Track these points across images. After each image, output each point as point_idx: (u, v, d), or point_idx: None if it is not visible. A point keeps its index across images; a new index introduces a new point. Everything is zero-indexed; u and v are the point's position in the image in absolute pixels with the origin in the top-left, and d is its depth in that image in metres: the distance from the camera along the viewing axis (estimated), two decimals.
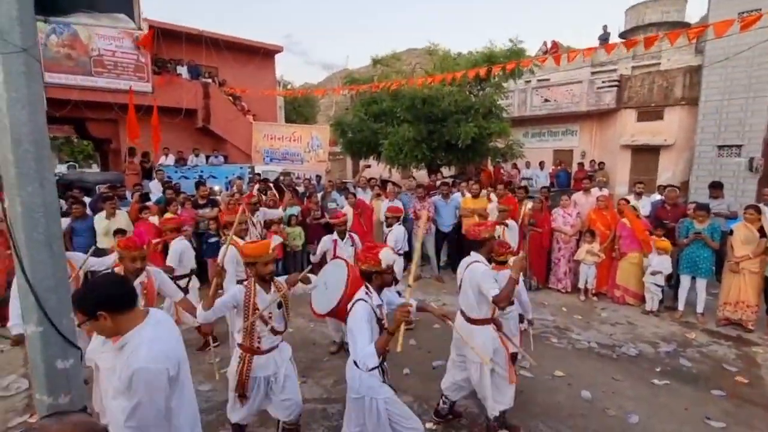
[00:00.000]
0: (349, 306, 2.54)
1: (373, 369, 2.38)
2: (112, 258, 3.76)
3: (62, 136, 22.72)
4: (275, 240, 2.58)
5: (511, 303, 3.28)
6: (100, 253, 4.28)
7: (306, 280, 3.03)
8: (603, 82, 13.89)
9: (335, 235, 4.67)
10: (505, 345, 3.14)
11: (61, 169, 22.03)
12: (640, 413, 3.55)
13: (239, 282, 3.98)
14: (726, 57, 10.68)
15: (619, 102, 13.51)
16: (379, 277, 2.54)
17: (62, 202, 7.12)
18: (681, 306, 5.71)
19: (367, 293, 2.53)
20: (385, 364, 2.56)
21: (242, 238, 4.13)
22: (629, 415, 3.53)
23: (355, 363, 2.45)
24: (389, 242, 4.98)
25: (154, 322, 1.64)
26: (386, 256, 2.50)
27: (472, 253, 3.14)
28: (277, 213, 6.44)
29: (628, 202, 6.47)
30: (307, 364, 4.44)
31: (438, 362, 4.44)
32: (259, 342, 2.72)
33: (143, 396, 1.49)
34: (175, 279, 3.92)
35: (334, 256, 4.55)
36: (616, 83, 13.52)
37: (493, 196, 7.43)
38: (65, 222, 6.18)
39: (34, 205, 1.33)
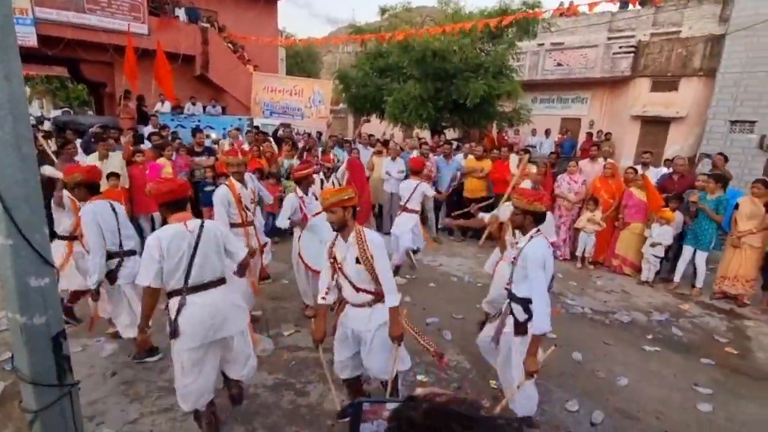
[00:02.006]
0: (530, 250, 2.57)
1: None
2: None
3: (57, 79, 22.02)
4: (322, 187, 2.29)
5: None
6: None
7: None
8: (620, 47, 13.30)
9: (300, 192, 4.23)
10: None
11: (56, 113, 21.52)
12: (629, 377, 3.58)
13: (232, 225, 3.89)
14: (753, 24, 10.14)
15: (634, 69, 13.00)
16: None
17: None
18: (677, 278, 5.69)
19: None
20: None
21: (240, 181, 3.97)
22: (618, 378, 3.56)
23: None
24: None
25: None
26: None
27: None
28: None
29: (635, 171, 6.31)
30: (301, 313, 4.44)
31: (432, 319, 4.45)
32: (344, 292, 2.61)
33: None
34: None
35: (303, 216, 4.15)
36: (633, 49, 12.95)
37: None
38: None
39: None
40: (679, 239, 5.77)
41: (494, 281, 3.79)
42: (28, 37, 9.88)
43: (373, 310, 2.55)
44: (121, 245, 3.37)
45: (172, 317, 2.41)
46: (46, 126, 10.06)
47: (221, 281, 2.59)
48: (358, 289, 2.52)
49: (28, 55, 10.73)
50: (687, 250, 5.58)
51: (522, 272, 2.61)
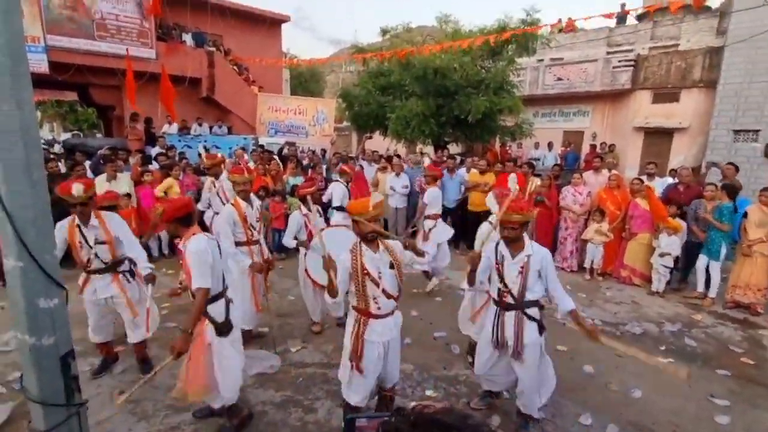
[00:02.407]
0: (543, 251, 2.74)
1: None
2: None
3: (66, 103, 22.54)
4: (375, 197, 2.29)
5: None
6: None
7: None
8: (619, 61, 13.45)
9: (305, 209, 4.21)
10: None
11: (65, 136, 21.99)
12: (642, 389, 3.50)
13: (237, 244, 3.90)
14: (751, 36, 10.24)
15: (634, 83, 13.11)
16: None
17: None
18: (700, 287, 5.56)
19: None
20: None
21: (245, 200, 3.99)
22: (631, 390, 3.48)
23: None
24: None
25: None
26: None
27: None
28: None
29: (641, 182, 6.29)
30: (308, 330, 4.42)
31: (439, 333, 4.41)
32: (375, 305, 2.56)
33: None
34: None
35: (309, 233, 4.15)
36: (633, 63, 13.09)
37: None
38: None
39: (10, 127, 1.21)
40: (686, 249, 5.71)
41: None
42: (40, 64, 10.17)
43: (395, 317, 2.68)
44: None
45: (222, 318, 2.69)
46: (56, 149, 10.27)
47: None
48: (389, 296, 2.59)
49: (39, 81, 11.02)
50: (702, 259, 5.51)
51: (535, 275, 2.71)
